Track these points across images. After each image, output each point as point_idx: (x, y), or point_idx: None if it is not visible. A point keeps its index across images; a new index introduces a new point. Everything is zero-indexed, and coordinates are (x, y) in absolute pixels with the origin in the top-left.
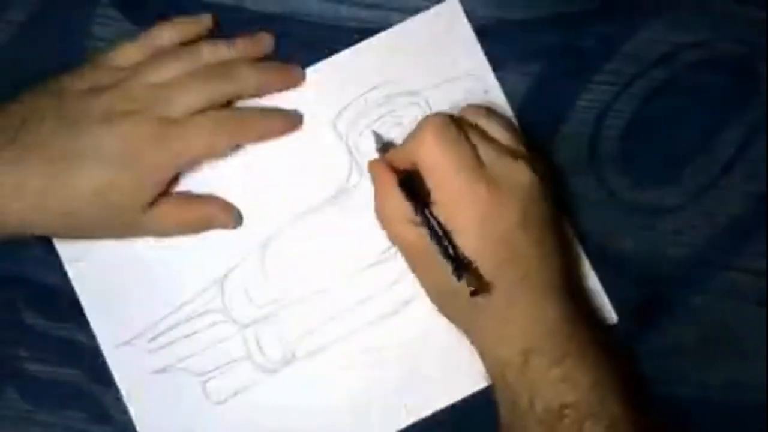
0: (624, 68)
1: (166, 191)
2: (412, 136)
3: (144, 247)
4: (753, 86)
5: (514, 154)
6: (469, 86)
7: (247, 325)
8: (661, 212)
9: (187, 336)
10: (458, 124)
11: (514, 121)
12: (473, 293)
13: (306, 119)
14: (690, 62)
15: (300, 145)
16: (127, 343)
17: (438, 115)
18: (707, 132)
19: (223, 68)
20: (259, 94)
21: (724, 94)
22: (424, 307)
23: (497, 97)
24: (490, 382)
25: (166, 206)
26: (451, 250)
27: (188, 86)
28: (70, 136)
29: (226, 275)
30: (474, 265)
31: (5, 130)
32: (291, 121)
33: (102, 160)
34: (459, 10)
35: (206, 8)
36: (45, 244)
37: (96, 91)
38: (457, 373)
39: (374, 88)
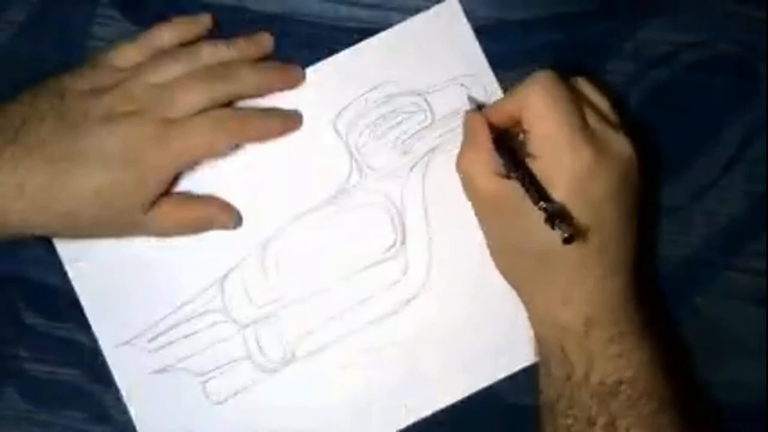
0: (624, 68)
1: (166, 191)
2: (520, 87)
3: (144, 247)
4: (753, 86)
5: (617, 127)
6: (469, 86)
7: (247, 325)
8: (661, 212)
9: (187, 336)
10: (568, 84)
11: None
12: (567, 240)
13: (306, 119)
14: (690, 62)
15: (300, 146)
16: (127, 342)
17: (551, 71)
18: (707, 132)
19: (223, 69)
20: (259, 95)
21: (724, 94)
22: (424, 306)
23: (496, 98)
24: (537, 359)
25: (166, 206)
26: (545, 202)
27: (188, 87)
28: (70, 137)
29: (226, 275)
30: (568, 212)
31: (5, 130)
32: (291, 121)
33: (103, 160)
34: (459, 10)
35: (206, 8)
36: (45, 244)
37: (96, 91)
38: (457, 373)
39: (374, 88)
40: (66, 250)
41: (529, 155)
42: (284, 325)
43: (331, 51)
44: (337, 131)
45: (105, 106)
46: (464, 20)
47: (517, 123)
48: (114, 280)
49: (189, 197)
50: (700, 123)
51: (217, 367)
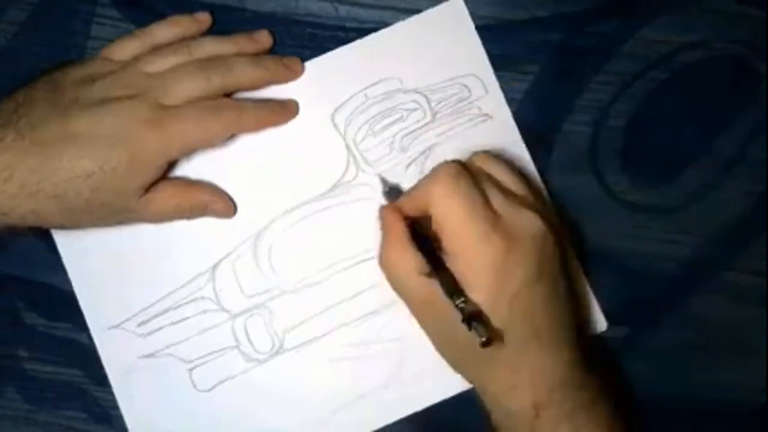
0: (624, 68)
1: (161, 177)
2: (423, 184)
3: (137, 231)
4: (753, 86)
5: (525, 204)
6: (470, 86)
7: (236, 315)
8: (661, 212)
9: (176, 322)
10: (470, 172)
11: (514, 126)
12: (484, 344)
13: (304, 113)
14: (690, 62)
15: (298, 138)
16: (116, 326)
17: (450, 163)
18: (707, 132)
19: (220, 60)
20: (257, 87)
21: (724, 94)
22: None
23: (497, 98)
24: None
25: (161, 191)
26: (462, 302)
27: (185, 76)
28: (62, 120)
29: (217, 263)
30: (485, 315)
31: None
32: (287, 111)
33: (95, 142)
34: (464, 9)
35: (206, 8)
36: (45, 243)
37: (91, 79)
38: (447, 371)
39: (374, 84)
40: (59, 233)
41: (445, 252)
42: (274, 316)
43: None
44: (335, 126)
45: (99, 91)
46: (469, 20)
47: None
48: (106, 264)
49: (185, 182)
50: (700, 123)
51: (205, 355)
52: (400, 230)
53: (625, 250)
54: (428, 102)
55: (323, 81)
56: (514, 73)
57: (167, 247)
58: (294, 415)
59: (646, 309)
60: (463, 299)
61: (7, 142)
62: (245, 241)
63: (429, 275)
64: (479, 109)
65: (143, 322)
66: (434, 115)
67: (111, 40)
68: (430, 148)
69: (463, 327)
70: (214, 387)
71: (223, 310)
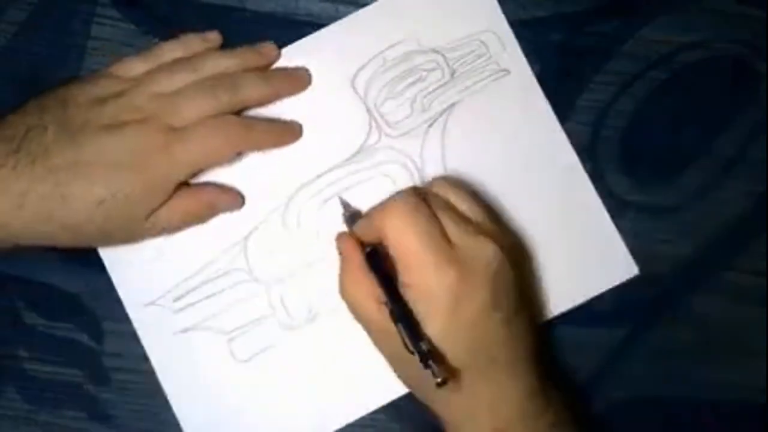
0: (624, 68)
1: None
2: (379, 213)
3: None
4: (753, 86)
5: (480, 230)
6: (487, 42)
7: (270, 284)
8: (661, 212)
9: (211, 295)
10: (426, 201)
11: (533, 79)
12: (440, 384)
13: (324, 79)
14: (690, 62)
15: (319, 105)
16: (152, 303)
17: (406, 194)
18: (707, 132)
19: (228, 78)
20: (264, 103)
21: (724, 94)
22: None
23: (515, 54)
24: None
25: (166, 205)
26: (417, 342)
27: (193, 96)
28: (73, 146)
29: (249, 234)
30: (441, 353)
31: (9, 140)
32: (293, 132)
33: (106, 169)
34: None
35: (206, 8)
36: None
37: (100, 100)
38: None
39: (392, 46)
40: None
41: (402, 283)
42: (307, 284)
43: None
44: (355, 90)
45: (108, 114)
46: None
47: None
48: (137, 242)
49: (186, 189)
50: (700, 123)
51: (242, 326)
52: (358, 259)
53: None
54: (446, 61)
55: (342, 46)
56: None
57: None
58: (330, 379)
59: (646, 309)
60: (417, 333)
61: (20, 168)
62: (274, 211)
63: (385, 305)
64: (497, 64)
65: (178, 297)
66: (453, 73)
67: (111, 40)
68: (451, 107)
69: (418, 364)
70: (252, 357)
71: (257, 280)
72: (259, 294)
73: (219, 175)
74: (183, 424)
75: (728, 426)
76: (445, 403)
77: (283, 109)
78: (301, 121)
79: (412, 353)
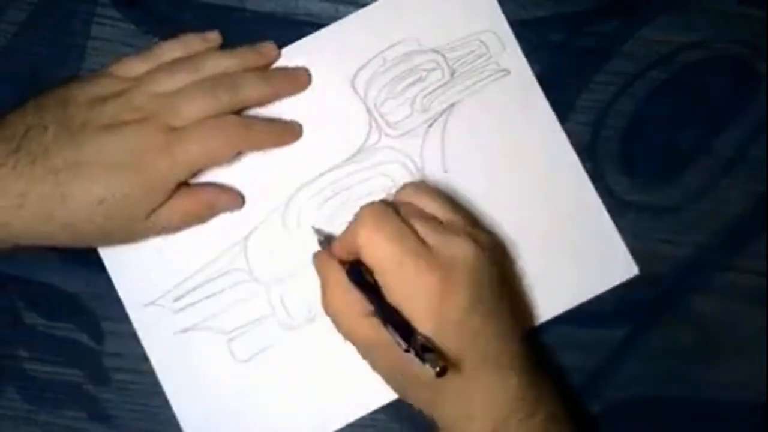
0: (624, 68)
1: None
2: (350, 228)
3: None
4: (753, 86)
5: (454, 230)
6: (487, 42)
7: (270, 284)
8: (661, 212)
9: (211, 296)
10: (395, 208)
11: (533, 79)
12: (439, 374)
13: (324, 80)
14: (690, 62)
15: (319, 105)
16: (152, 303)
17: (374, 204)
18: (707, 132)
19: (228, 78)
20: (264, 103)
21: (724, 94)
22: None
23: (515, 54)
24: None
25: (166, 205)
26: (411, 337)
27: (193, 96)
28: (73, 146)
29: (249, 234)
30: (434, 344)
31: (9, 140)
32: (293, 132)
33: (106, 169)
34: None
35: (206, 8)
36: None
37: (100, 100)
38: None
39: (392, 46)
40: None
41: (384, 291)
42: (307, 283)
43: None
44: (355, 90)
45: (108, 114)
46: None
47: None
48: (137, 242)
49: (186, 189)
50: (700, 123)
51: (242, 326)
52: (337, 275)
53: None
54: (446, 61)
55: (341, 47)
56: None
57: None
58: (331, 380)
59: (646, 309)
60: (407, 337)
61: (19, 168)
62: (274, 211)
63: (373, 314)
64: (497, 64)
65: (178, 297)
66: (453, 73)
67: (111, 40)
68: (451, 107)
69: (414, 360)
70: (252, 357)
71: (257, 280)
72: (259, 294)
73: (219, 175)
74: (183, 424)
75: (728, 426)
76: (440, 407)
77: (283, 109)
78: (301, 121)
79: (408, 351)
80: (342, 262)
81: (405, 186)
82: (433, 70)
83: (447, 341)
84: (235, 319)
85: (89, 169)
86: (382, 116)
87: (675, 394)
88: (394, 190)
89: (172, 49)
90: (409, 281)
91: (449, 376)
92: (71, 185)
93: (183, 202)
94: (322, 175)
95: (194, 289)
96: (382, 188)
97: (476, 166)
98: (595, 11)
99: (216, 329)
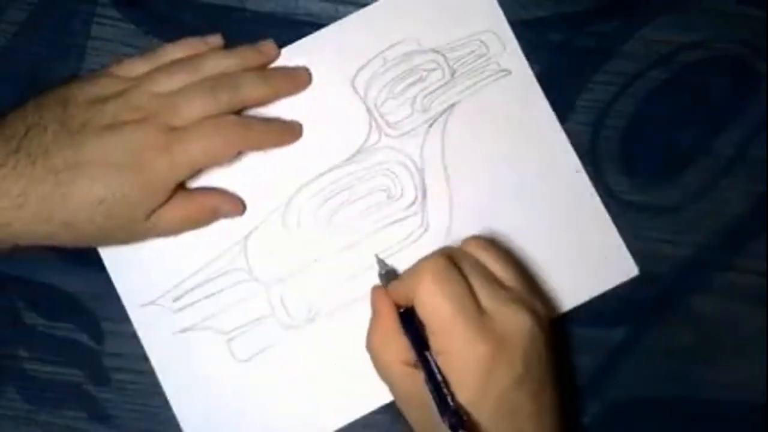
0: (624, 68)
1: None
2: (410, 278)
3: None
4: (753, 86)
5: (514, 296)
6: (488, 42)
7: (270, 284)
8: (661, 212)
9: (211, 295)
10: (457, 262)
11: (534, 80)
12: None
13: (324, 80)
14: (690, 62)
15: (319, 105)
16: (151, 302)
17: (438, 257)
18: (707, 132)
19: (228, 78)
20: (264, 103)
21: (724, 94)
22: None
23: (515, 54)
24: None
25: (168, 207)
26: (448, 401)
27: (193, 96)
28: (73, 146)
29: (249, 234)
30: (472, 421)
31: (9, 140)
32: (293, 132)
33: (106, 168)
34: None
35: (206, 8)
36: None
37: (100, 100)
38: None
39: (392, 46)
40: None
41: (432, 348)
42: (307, 283)
43: None
44: (355, 90)
45: (108, 114)
46: None
47: None
48: (138, 242)
49: (189, 193)
50: (700, 123)
51: (242, 326)
52: (390, 317)
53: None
54: (446, 61)
55: (341, 47)
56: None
57: None
58: (331, 380)
59: (646, 309)
60: (448, 396)
61: (20, 168)
62: (274, 211)
63: (416, 366)
64: (498, 64)
65: (178, 297)
66: (453, 73)
67: (111, 40)
68: (451, 107)
69: (443, 427)
70: (252, 357)
71: (257, 280)
72: (259, 294)
73: (219, 175)
74: (183, 424)
75: (728, 426)
76: None
77: (283, 109)
78: (301, 121)
79: (442, 416)
80: (397, 305)
81: (472, 239)
82: (434, 70)
83: (483, 412)
84: (235, 318)
85: (89, 169)
86: (382, 116)
87: (675, 394)
88: (394, 191)
89: (173, 51)
90: (459, 347)
91: None
92: (71, 185)
93: (185, 206)
94: (322, 175)
95: (194, 288)
96: (382, 188)
97: (476, 166)
98: (595, 11)
99: (216, 329)
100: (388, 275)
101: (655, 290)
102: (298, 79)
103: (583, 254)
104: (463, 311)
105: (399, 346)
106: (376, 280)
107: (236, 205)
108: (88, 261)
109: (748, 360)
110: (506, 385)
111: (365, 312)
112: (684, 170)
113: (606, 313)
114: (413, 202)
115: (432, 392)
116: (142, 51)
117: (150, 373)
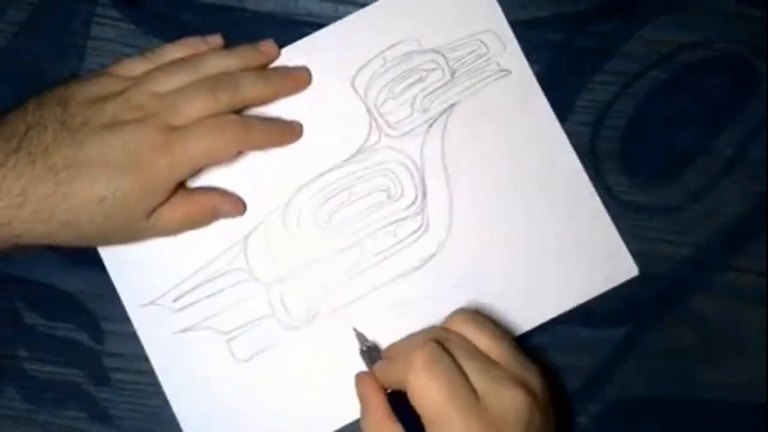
0: (624, 68)
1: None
2: (400, 363)
3: None
4: (753, 86)
5: (507, 374)
6: (488, 42)
7: (270, 284)
8: (661, 212)
9: (211, 295)
10: (446, 345)
11: (534, 80)
12: None
13: (324, 79)
14: (690, 62)
15: (319, 105)
16: (151, 303)
17: (428, 347)
18: (707, 132)
19: (228, 78)
20: (264, 103)
21: (724, 94)
22: (445, 262)
23: (515, 54)
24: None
25: (168, 206)
26: None
27: (192, 95)
28: (74, 145)
29: (249, 234)
30: None
31: (9, 139)
32: (293, 131)
33: (106, 168)
34: None
35: (206, 8)
36: None
37: (101, 99)
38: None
39: (392, 46)
40: None
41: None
42: (307, 283)
43: None
44: (355, 90)
45: (108, 113)
46: None
47: None
48: (138, 242)
49: (189, 192)
50: (700, 123)
51: (242, 326)
52: (379, 403)
53: None
54: (446, 61)
55: (341, 47)
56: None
57: None
58: (331, 379)
59: (646, 309)
60: None
61: (19, 167)
62: (275, 211)
63: None
64: (498, 64)
65: (178, 297)
66: (453, 73)
67: (111, 40)
68: (451, 107)
69: None
70: (252, 356)
71: (257, 280)
72: (259, 294)
73: (219, 174)
74: (182, 423)
75: (728, 426)
76: None
77: (283, 108)
78: (301, 121)
79: None
80: (383, 387)
81: (459, 313)
82: (434, 70)
83: None
84: (235, 318)
85: (89, 168)
86: (382, 116)
87: (675, 394)
88: (394, 191)
89: (173, 51)
90: (453, 430)
91: None
92: (71, 184)
93: (185, 206)
94: (322, 175)
95: (194, 288)
96: (381, 188)
97: (476, 166)
98: (595, 11)
99: (216, 329)
100: (370, 352)
101: (655, 290)
102: (299, 78)
103: (584, 254)
104: (457, 399)
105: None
106: (376, 280)
107: (236, 205)
108: (88, 261)
109: (748, 360)
110: None
111: (365, 312)
112: (684, 170)
113: (606, 313)
114: (413, 202)
115: None
116: (142, 51)
117: (150, 373)
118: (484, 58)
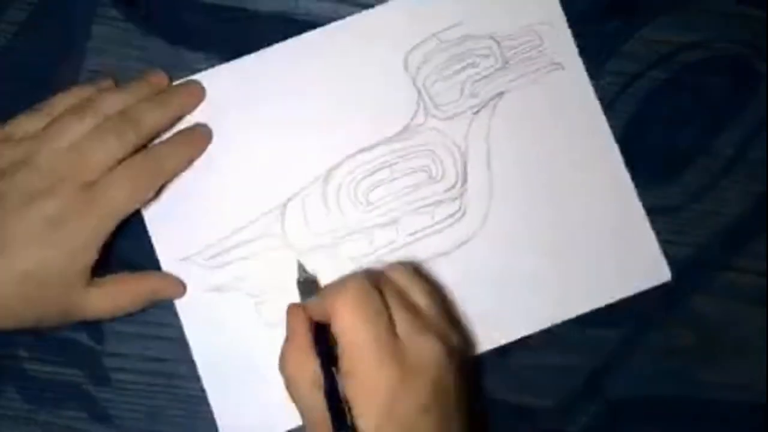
0: (624, 68)
1: (100, 260)
2: (330, 294)
3: (210, 165)
4: (753, 86)
5: (430, 326)
6: (543, 34)
7: (303, 252)
8: (661, 212)
9: (245, 257)
10: (379, 287)
11: (585, 77)
12: None
13: (377, 55)
14: (690, 62)
15: (369, 80)
16: (186, 258)
17: (360, 280)
18: (707, 132)
19: (125, 116)
20: (168, 128)
21: (724, 94)
22: (478, 249)
23: (570, 49)
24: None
25: (103, 286)
26: (346, 420)
27: (99, 144)
28: None
29: (287, 201)
30: None
31: None
32: (200, 138)
33: (29, 242)
34: None
35: (206, 8)
36: None
37: (9, 171)
38: (511, 313)
39: (448, 28)
40: None
41: (341, 369)
42: (339, 255)
43: None
44: (407, 68)
45: (21, 186)
46: None
47: None
48: (178, 197)
49: (125, 275)
50: (700, 123)
51: (271, 290)
52: (303, 336)
53: None
54: (500, 49)
55: (398, 23)
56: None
57: (238, 183)
58: None
59: (646, 309)
60: (350, 425)
61: None
62: (315, 180)
63: (322, 389)
64: (551, 58)
65: (213, 255)
66: (505, 62)
67: (111, 40)
68: (500, 95)
69: None
70: (280, 322)
71: (291, 247)
72: (290, 261)
73: (262, 138)
74: (205, 381)
75: (728, 426)
76: None
77: (335, 79)
78: (350, 95)
79: None
80: (311, 319)
81: (396, 265)
82: (487, 56)
83: None
84: (266, 282)
85: (11, 245)
86: (430, 97)
87: (675, 394)
88: (435, 172)
89: (64, 100)
90: (368, 370)
91: None
92: None
93: (122, 287)
94: (365, 150)
95: (229, 249)
96: (423, 168)
97: (519, 156)
98: (596, 11)
99: (246, 291)
100: (306, 283)
101: (655, 290)
102: (193, 92)
103: (618, 255)
104: (377, 335)
105: (310, 369)
106: (406, 259)
107: (177, 287)
108: None
109: (748, 360)
110: (411, 413)
111: None
112: (684, 170)
113: (606, 312)
114: (453, 186)
115: (330, 410)
116: (32, 106)
117: (150, 373)
118: (538, 50)
